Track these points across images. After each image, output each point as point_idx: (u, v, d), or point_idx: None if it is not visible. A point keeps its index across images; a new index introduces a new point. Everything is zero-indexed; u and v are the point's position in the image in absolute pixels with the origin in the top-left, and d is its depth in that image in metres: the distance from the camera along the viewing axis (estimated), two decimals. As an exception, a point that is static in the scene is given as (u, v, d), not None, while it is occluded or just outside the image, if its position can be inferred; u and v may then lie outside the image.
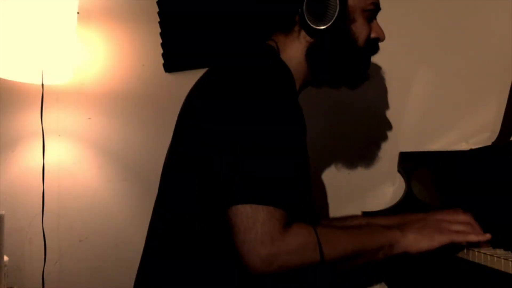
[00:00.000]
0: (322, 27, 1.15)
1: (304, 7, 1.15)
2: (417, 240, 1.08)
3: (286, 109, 1.04)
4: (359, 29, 1.21)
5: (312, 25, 1.16)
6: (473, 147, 1.63)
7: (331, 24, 1.15)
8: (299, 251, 0.97)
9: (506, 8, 1.75)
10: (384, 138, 1.83)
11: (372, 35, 1.24)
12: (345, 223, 1.36)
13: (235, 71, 1.09)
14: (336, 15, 1.14)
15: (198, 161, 1.06)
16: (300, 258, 0.98)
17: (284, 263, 0.96)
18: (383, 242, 1.07)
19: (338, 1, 1.14)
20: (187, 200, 1.08)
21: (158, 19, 1.99)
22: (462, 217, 1.16)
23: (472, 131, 1.76)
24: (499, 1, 1.77)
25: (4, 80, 1.89)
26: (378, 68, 1.82)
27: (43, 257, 1.86)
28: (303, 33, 1.20)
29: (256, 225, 0.94)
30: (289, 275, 0.99)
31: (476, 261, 1.06)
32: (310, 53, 1.21)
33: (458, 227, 1.13)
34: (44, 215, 1.86)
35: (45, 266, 1.86)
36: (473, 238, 1.11)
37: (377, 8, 1.25)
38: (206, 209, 1.05)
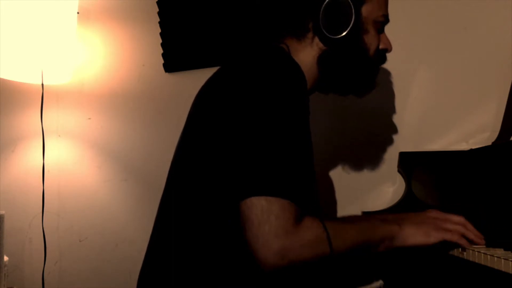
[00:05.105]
0: (337, 36, 1.19)
1: (320, 16, 1.18)
2: (414, 234, 1.11)
3: (299, 107, 1.06)
4: (371, 39, 1.25)
5: (327, 33, 1.19)
6: (473, 147, 1.63)
7: (346, 33, 1.18)
8: (311, 244, 0.98)
9: (506, 8, 1.75)
10: (384, 138, 1.83)
11: (381, 46, 1.28)
12: None
13: (253, 69, 1.09)
14: (351, 25, 1.18)
15: (208, 157, 1.07)
16: (312, 251, 0.99)
17: (296, 257, 0.97)
18: (384, 235, 1.09)
19: (353, 12, 1.18)
20: (195, 196, 1.08)
21: (158, 19, 1.99)
22: (456, 218, 1.17)
23: (472, 131, 1.76)
24: (499, 1, 1.77)
25: (4, 80, 1.89)
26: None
27: (43, 257, 1.87)
28: (316, 40, 1.22)
29: (270, 218, 0.95)
30: (291, 273, 1.00)
31: (476, 261, 1.06)
32: (323, 60, 1.23)
33: (451, 226, 1.15)
34: (44, 215, 1.86)
35: (45, 266, 1.86)
36: (463, 242, 1.12)
37: (386, 20, 1.28)
38: (215, 205, 1.05)
